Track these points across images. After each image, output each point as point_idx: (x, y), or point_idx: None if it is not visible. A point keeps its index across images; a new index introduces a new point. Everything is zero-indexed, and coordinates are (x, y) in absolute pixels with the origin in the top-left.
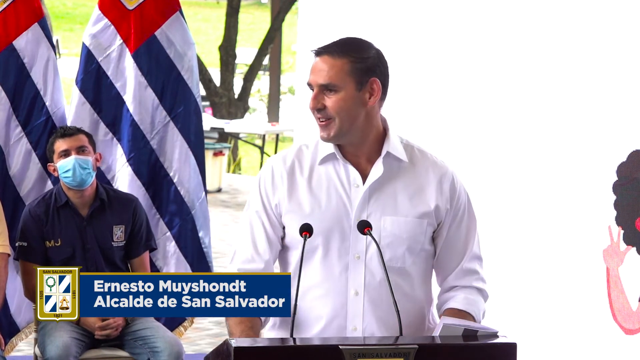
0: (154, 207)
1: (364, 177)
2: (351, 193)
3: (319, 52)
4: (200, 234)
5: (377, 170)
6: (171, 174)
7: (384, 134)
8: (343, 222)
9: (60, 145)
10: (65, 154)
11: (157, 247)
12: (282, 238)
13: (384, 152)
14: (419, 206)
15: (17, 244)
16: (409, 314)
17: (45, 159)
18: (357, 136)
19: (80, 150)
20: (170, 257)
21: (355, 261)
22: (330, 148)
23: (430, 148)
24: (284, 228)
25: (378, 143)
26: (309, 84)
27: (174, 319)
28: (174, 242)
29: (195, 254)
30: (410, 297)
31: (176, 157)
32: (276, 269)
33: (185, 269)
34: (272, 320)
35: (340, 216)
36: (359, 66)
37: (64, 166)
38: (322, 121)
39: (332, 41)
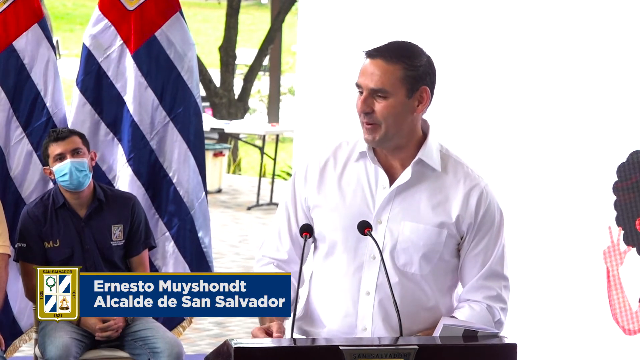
0: (153, 207)
1: (393, 180)
2: (376, 194)
3: (372, 55)
4: (200, 234)
5: (405, 175)
6: (170, 174)
7: (422, 139)
8: None
9: (54, 149)
10: (61, 157)
11: (157, 246)
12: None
13: (415, 159)
14: (440, 215)
15: (16, 246)
16: (426, 323)
17: None
18: (400, 142)
19: (75, 152)
20: (169, 257)
21: (370, 261)
22: (364, 146)
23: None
24: (313, 222)
25: (415, 148)
26: (358, 85)
27: (173, 319)
28: (172, 242)
29: (194, 254)
30: (425, 306)
31: (175, 157)
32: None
33: (184, 268)
34: (300, 311)
35: (361, 215)
36: (411, 73)
37: (61, 170)
38: (368, 125)
39: (384, 44)
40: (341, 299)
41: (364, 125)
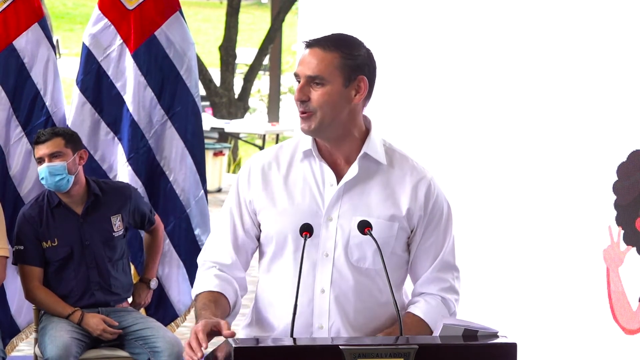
0: (150, 204)
1: (340, 177)
2: (324, 192)
3: (310, 44)
4: (197, 232)
5: (352, 170)
6: (167, 173)
7: (366, 134)
8: (313, 220)
9: (36, 151)
10: (40, 161)
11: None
12: (257, 235)
13: (361, 153)
14: (391, 209)
15: (14, 249)
16: (380, 319)
17: None
18: (338, 133)
19: (53, 156)
20: (165, 254)
21: (323, 259)
22: (308, 144)
23: (431, 151)
24: (259, 225)
25: (359, 143)
26: (296, 75)
27: (166, 315)
28: (168, 240)
29: (189, 251)
30: (379, 301)
31: (172, 156)
32: (253, 263)
33: (179, 266)
34: (248, 317)
35: (311, 214)
36: (348, 62)
37: (39, 173)
38: (303, 113)
39: (324, 35)
40: (294, 298)
41: (300, 115)
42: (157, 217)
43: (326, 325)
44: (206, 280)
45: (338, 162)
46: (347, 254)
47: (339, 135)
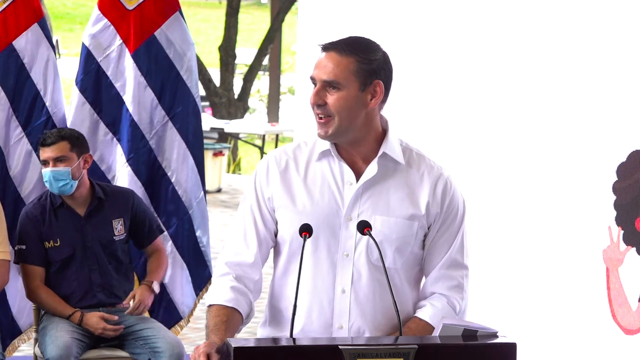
0: (152, 206)
1: (359, 176)
2: (344, 191)
3: (326, 48)
4: (198, 233)
5: (371, 169)
6: (169, 174)
7: (383, 135)
8: (334, 220)
9: (42, 153)
10: (45, 163)
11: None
12: (276, 233)
13: (380, 153)
14: (411, 208)
15: (16, 248)
16: (396, 316)
17: None
18: (355, 136)
19: (58, 160)
20: (168, 256)
21: (343, 259)
22: (326, 145)
23: (429, 150)
24: (277, 223)
25: (376, 143)
26: (312, 78)
27: (171, 318)
28: (170, 242)
29: (192, 253)
30: (399, 299)
31: (174, 157)
32: (268, 264)
33: (182, 268)
34: (263, 317)
35: (331, 213)
36: (364, 67)
37: (44, 176)
38: (321, 118)
39: (340, 38)
40: (314, 298)
41: (317, 119)
42: (159, 240)
43: (346, 325)
44: (221, 291)
45: (356, 162)
46: (368, 253)
47: (356, 138)
